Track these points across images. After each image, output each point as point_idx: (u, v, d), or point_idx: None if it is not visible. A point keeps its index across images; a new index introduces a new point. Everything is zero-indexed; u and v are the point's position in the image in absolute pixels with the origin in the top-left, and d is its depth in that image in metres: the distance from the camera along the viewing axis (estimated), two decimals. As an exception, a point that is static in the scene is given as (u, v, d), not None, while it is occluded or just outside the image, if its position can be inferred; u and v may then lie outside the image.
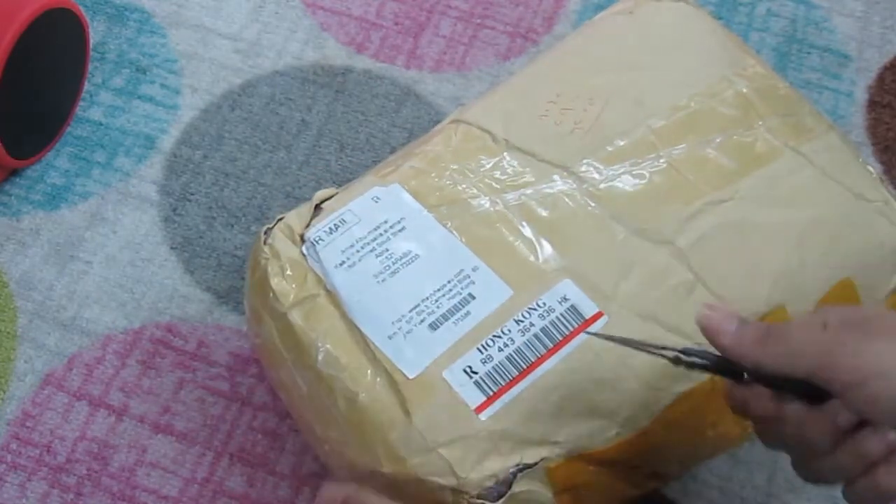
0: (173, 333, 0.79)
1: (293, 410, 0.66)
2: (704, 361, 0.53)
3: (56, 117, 0.87)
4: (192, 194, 0.85)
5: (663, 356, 0.54)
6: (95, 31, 0.93)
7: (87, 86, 0.90)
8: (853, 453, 0.51)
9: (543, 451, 0.57)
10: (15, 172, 0.86)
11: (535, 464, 0.56)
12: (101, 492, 0.73)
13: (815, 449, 0.52)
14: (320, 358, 0.59)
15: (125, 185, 0.86)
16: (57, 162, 0.87)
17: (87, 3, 0.94)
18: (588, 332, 0.57)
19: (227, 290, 0.81)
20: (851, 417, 0.50)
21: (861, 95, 0.91)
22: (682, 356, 0.53)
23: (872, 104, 0.90)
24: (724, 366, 0.53)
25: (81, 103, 0.89)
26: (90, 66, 0.90)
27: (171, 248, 0.83)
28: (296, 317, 0.60)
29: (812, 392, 0.51)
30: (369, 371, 0.58)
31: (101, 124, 0.89)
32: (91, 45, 0.89)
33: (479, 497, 0.55)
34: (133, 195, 0.85)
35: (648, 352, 0.54)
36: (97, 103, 0.90)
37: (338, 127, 0.88)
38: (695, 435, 0.61)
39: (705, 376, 0.58)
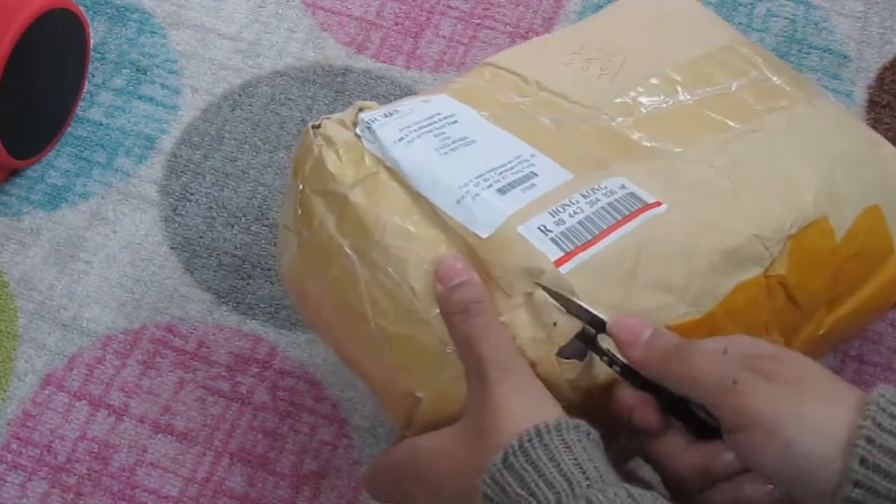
0: (173, 333, 0.79)
1: (338, 320, 0.62)
2: (615, 362, 0.53)
3: (56, 117, 0.87)
4: (192, 194, 0.85)
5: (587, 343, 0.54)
6: (96, 32, 0.93)
7: (87, 86, 0.90)
8: (728, 496, 0.50)
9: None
10: (15, 172, 0.86)
11: None
12: (101, 492, 0.73)
13: (682, 483, 0.51)
14: (388, 230, 0.57)
15: (125, 185, 0.86)
16: (57, 162, 0.87)
17: (87, 4, 0.94)
18: (538, 283, 0.55)
19: (227, 290, 0.81)
20: (731, 464, 0.49)
21: (861, 95, 0.91)
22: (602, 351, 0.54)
23: (872, 104, 0.90)
24: (632, 375, 0.53)
25: (82, 103, 0.89)
26: (90, 67, 0.90)
27: (172, 248, 0.83)
28: (358, 196, 0.58)
29: (702, 427, 0.51)
30: (442, 238, 0.57)
31: (101, 124, 0.89)
32: (91, 46, 0.89)
33: (566, 348, 0.54)
34: (133, 195, 0.85)
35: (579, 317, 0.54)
36: (97, 103, 0.90)
37: (338, 127, 0.88)
38: (751, 334, 0.61)
39: (761, 270, 0.59)
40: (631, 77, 0.67)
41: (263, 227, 0.83)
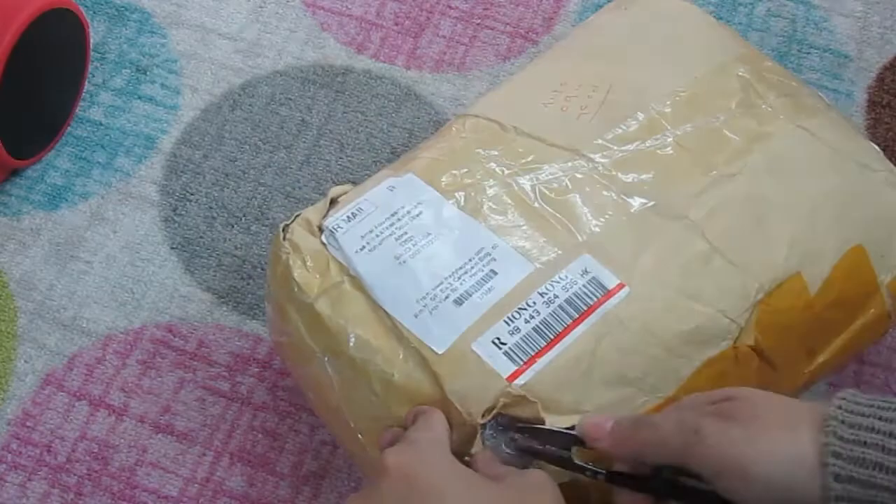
0: (173, 333, 0.79)
1: (321, 408, 0.66)
2: (601, 472, 0.54)
3: (56, 117, 0.87)
4: (192, 194, 0.85)
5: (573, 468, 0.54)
6: (96, 32, 0.93)
7: (87, 86, 0.90)
8: None
9: (575, 419, 0.56)
10: (15, 172, 0.86)
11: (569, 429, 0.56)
12: (101, 491, 0.73)
13: None
14: (352, 343, 0.59)
15: (125, 185, 0.86)
16: (57, 162, 0.87)
17: (87, 4, 0.94)
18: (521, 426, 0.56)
19: (227, 290, 0.81)
20: None
21: (861, 95, 0.91)
22: (587, 472, 0.54)
23: (872, 104, 0.90)
24: (618, 476, 0.53)
25: (82, 103, 0.89)
26: (90, 67, 0.90)
27: (172, 248, 0.83)
28: (323, 306, 0.60)
29: (701, 497, 0.50)
30: (400, 351, 0.58)
31: (101, 124, 0.89)
32: (91, 46, 0.89)
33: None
34: (133, 195, 0.85)
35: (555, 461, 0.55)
36: (97, 103, 0.90)
37: (338, 127, 0.88)
38: None
39: (728, 343, 0.59)
40: (613, 113, 0.66)
41: (263, 227, 0.83)
